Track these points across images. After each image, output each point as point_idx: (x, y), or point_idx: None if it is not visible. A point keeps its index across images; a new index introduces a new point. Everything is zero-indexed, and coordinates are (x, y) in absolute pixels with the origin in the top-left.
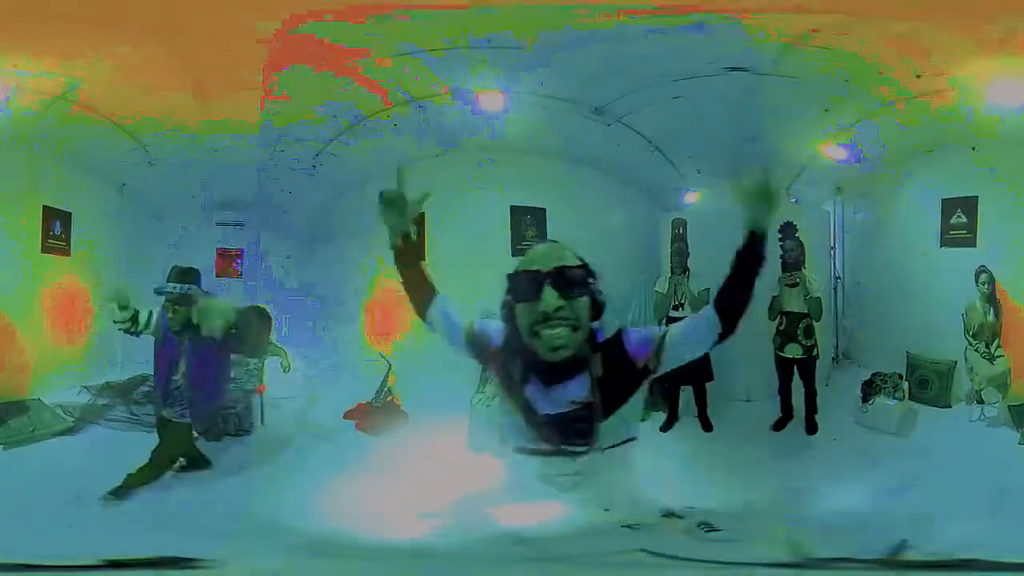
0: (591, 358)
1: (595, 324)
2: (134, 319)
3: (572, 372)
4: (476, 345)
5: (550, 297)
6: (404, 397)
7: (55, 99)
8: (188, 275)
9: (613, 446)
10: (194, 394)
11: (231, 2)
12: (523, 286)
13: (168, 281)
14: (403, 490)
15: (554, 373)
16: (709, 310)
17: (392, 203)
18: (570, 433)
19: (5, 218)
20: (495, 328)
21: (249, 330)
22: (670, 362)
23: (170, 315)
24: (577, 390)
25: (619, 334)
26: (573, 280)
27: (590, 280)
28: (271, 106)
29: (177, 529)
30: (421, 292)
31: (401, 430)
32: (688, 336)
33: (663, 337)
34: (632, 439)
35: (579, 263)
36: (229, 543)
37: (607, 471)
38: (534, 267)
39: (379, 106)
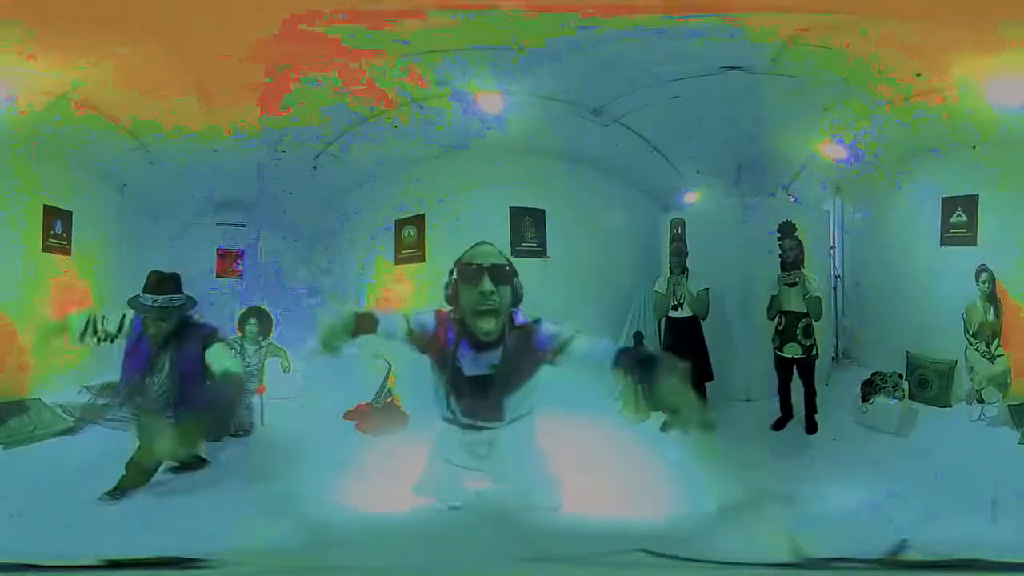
0: (507, 334)
1: (514, 309)
2: (92, 328)
3: (494, 343)
4: (416, 337)
5: (487, 284)
6: (404, 398)
7: (56, 99)
8: (168, 284)
9: (515, 419)
10: (181, 396)
11: (231, 2)
12: (468, 273)
13: (145, 291)
14: (403, 490)
15: (481, 346)
16: (609, 360)
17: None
18: (486, 393)
19: (6, 218)
20: (428, 319)
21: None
22: (566, 365)
23: (152, 331)
24: (495, 358)
25: (534, 323)
26: (503, 274)
27: (513, 276)
28: (271, 107)
29: (177, 529)
30: (369, 329)
31: (402, 431)
32: (585, 357)
33: (567, 342)
34: (529, 413)
35: (507, 262)
36: (229, 543)
37: (513, 442)
38: (476, 261)
39: (379, 106)
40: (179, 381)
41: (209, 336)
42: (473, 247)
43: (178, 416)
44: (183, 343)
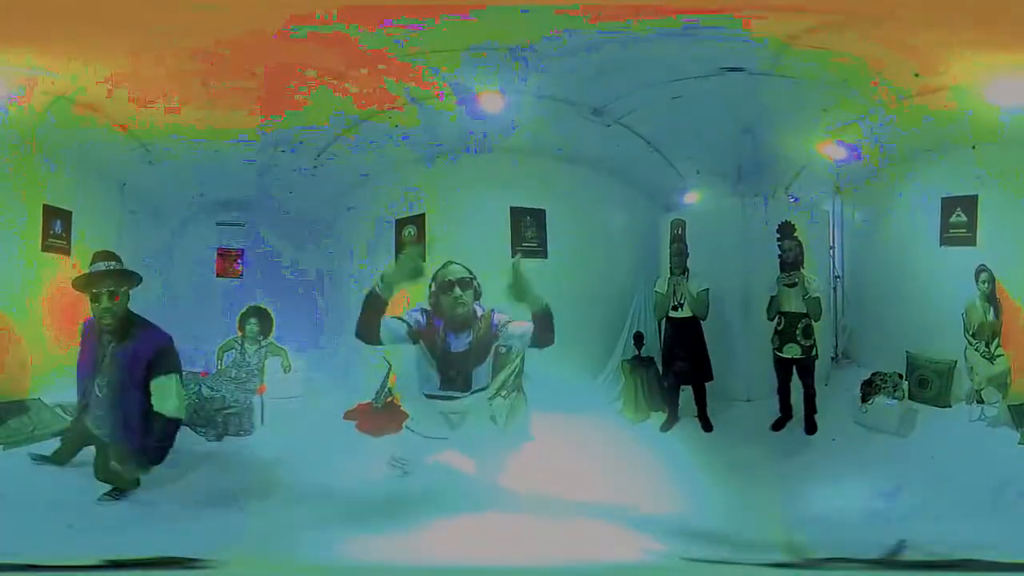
0: (474, 322)
1: (476, 303)
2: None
3: (465, 328)
4: (413, 332)
5: (456, 292)
6: (404, 397)
7: (56, 99)
8: (113, 256)
9: (478, 391)
10: (113, 415)
11: (232, 2)
12: (444, 287)
13: (92, 264)
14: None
15: (459, 329)
16: (531, 336)
17: (414, 273)
18: (465, 365)
19: (5, 218)
20: (420, 315)
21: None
22: (505, 340)
23: (105, 305)
24: (469, 336)
25: (489, 311)
26: (466, 283)
27: (475, 282)
28: (272, 106)
29: (177, 529)
30: (374, 329)
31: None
32: (516, 337)
33: (505, 324)
34: (486, 387)
35: (470, 275)
36: (229, 543)
37: (478, 411)
38: (448, 278)
39: (379, 106)
40: (119, 390)
41: (161, 348)
42: (444, 266)
43: (109, 432)
44: (130, 341)
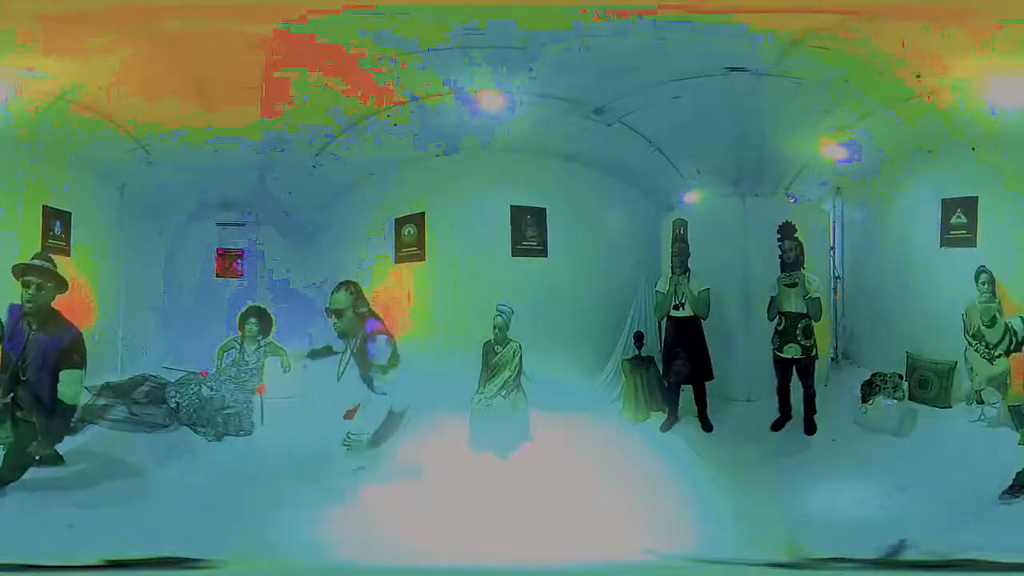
0: (360, 333)
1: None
2: None
3: (351, 336)
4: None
5: (333, 320)
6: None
7: (55, 99)
8: (48, 259)
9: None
10: (33, 393)
11: (231, 3)
12: (331, 312)
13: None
14: (405, 489)
15: (347, 337)
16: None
17: None
18: (359, 363)
19: (5, 218)
20: None
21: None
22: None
23: (31, 292)
24: (356, 343)
25: (378, 332)
26: (338, 313)
27: (352, 302)
28: (271, 107)
29: (177, 529)
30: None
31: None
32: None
33: (380, 371)
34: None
35: (342, 306)
36: (229, 543)
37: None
38: (331, 307)
39: (379, 105)
40: (36, 371)
41: (72, 339)
42: (332, 293)
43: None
44: (49, 329)
